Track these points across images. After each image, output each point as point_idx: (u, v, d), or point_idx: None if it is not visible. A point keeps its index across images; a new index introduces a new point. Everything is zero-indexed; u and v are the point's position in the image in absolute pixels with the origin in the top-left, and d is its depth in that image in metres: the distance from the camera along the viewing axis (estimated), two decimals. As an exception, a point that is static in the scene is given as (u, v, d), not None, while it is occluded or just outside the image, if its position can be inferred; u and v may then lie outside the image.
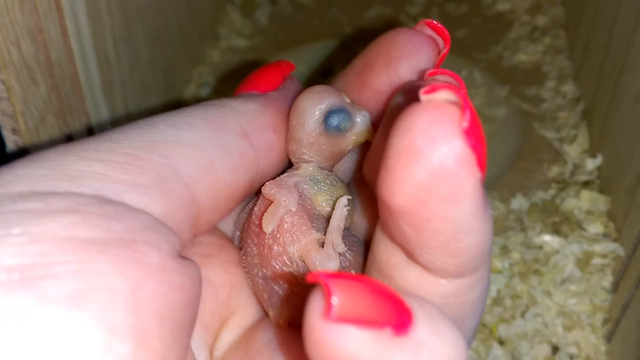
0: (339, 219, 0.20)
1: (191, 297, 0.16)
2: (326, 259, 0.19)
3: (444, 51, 0.21)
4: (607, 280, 0.32)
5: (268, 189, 0.20)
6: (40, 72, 0.26)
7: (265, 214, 0.20)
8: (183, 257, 0.17)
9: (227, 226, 0.23)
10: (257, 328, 0.21)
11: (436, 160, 0.14)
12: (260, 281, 0.20)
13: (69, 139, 0.29)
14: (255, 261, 0.20)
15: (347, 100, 0.21)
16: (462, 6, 0.52)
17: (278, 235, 0.20)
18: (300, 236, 0.20)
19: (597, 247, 0.34)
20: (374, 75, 0.21)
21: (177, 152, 0.18)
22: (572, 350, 0.31)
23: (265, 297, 0.20)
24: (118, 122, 0.34)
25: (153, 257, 0.15)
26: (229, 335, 0.21)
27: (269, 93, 0.22)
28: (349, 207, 0.20)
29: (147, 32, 0.37)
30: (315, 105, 0.21)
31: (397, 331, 0.13)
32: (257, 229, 0.20)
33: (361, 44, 0.53)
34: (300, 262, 0.20)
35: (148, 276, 0.15)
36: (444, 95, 0.14)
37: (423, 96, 0.14)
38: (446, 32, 0.21)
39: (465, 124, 0.14)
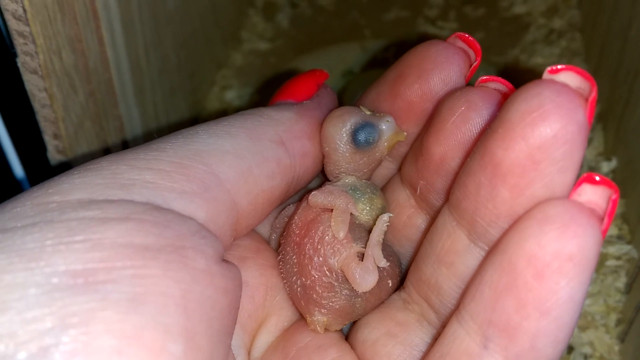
0: (379, 233, 0.20)
1: (234, 299, 0.17)
2: (366, 272, 0.20)
3: (475, 63, 0.21)
4: (621, 282, 0.33)
5: (321, 199, 0.21)
6: (79, 79, 0.27)
7: (333, 221, 0.20)
8: (225, 261, 0.18)
9: (264, 228, 0.23)
10: (294, 330, 0.21)
11: (562, 123, 0.15)
12: (299, 289, 0.21)
13: (105, 146, 0.30)
14: (295, 269, 0.21)
15: (368, 112, 0.22)
16: (479, 9, 0.53)
17: (319, 246, 0.20)
18: (341, 249, 0.20)
19: (612, 249, 0.34)
20: (406, 87, 0.21)
21: (219, 160, 0.19)
22: (587, 350, 0.31)
23: (303, 304, 0.21)
24: (148, 125, 0.35)
25: (200, 262, 0.16)
26: (266, 336, 0.21)
27: (304, 102, 0.22)
28: (389, 224, 0.21)
29: (175, 38, 0.38)
30: (340, 128, 0.21)
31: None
32: (297, 239, 0.21)
33: (380, 47, 0.53)
34: (339, 273, 0.20)
35: (196, 281, 0.16)
36: (567, 77, 0.16)
37: (547, 74, 0.16)
38: (477, 45, 0.21)
39: (590, 99, 0.15)
